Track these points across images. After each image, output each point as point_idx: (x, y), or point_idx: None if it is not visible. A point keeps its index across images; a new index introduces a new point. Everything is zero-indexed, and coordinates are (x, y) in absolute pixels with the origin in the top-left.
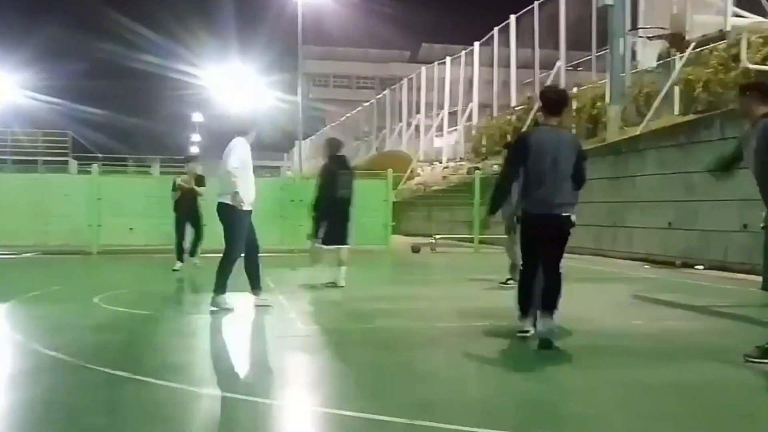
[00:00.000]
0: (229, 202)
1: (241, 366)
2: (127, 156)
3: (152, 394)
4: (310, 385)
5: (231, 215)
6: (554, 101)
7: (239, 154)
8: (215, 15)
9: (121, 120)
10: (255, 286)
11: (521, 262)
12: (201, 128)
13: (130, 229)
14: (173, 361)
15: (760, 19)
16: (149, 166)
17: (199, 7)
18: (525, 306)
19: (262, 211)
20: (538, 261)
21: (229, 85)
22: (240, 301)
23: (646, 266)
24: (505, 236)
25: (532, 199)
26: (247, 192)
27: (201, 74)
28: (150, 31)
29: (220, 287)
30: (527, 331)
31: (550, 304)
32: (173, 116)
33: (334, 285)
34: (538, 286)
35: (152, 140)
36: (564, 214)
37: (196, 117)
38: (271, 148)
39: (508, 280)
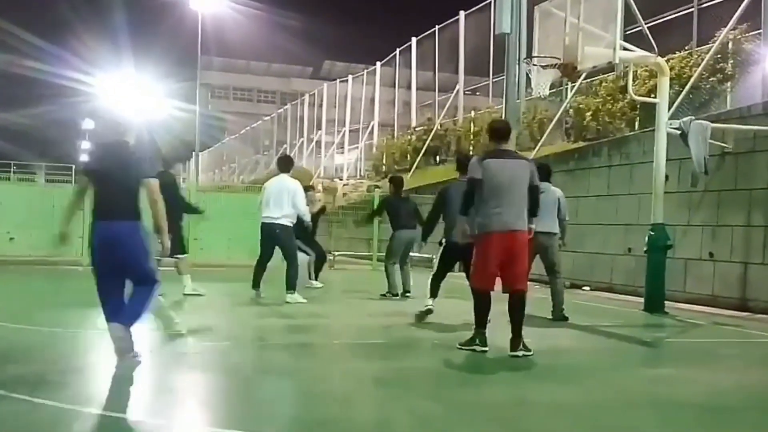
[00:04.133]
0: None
1: (125, 384)
2: (10, 162)
3: (30, 413)
4: (196, 403)
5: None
6: (464, 163)
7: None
8: (111, 22)
9: (4, 122)
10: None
11: (436, 269)
12: (91, 136)
13: (11, 238)
14: (52, 378)
15: (646, 53)
16: (34, 173)
17: (93, 13)
18: (435, 293)
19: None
20: (449, 270)
21: (123, 93)
22: None
23: (536, 286)
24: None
25: (452, 231)
26: None
27: (92, 81)
28: (36, 36)
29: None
30: (430, 308)
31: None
32: (61, 123)
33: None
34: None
35: (38, 147)
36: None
37: (87, 124)
38: (169, 159)
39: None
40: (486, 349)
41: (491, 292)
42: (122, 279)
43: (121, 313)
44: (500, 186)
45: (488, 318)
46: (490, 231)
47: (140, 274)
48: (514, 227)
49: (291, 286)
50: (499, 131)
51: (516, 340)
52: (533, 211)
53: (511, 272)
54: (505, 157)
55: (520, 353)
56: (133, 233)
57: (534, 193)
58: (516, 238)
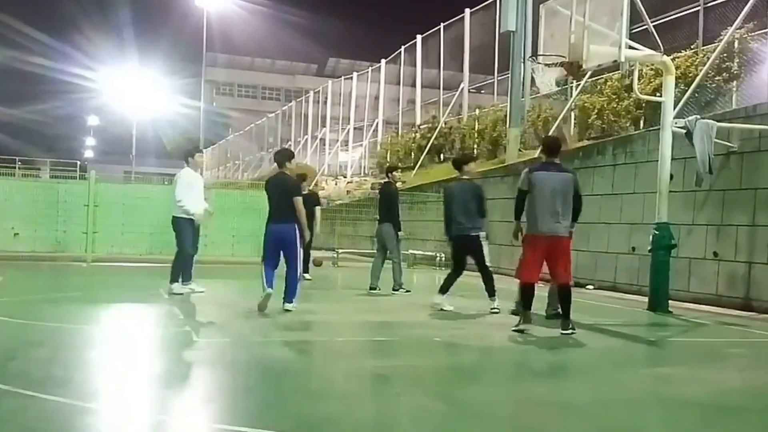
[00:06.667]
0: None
1: (132, 380)
2: (15, 157)
3: (35, 409)
4: (200, 400)
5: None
6: (460, 162)
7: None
8: (117, 18)
9: (9, 118)
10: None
11: (452, 265)
12: (96, 132)
13: (16, 234)
14: (56, 374)
15: (652, 52)
16: (39, 169)
17: (98, 10)
18: (446, 289)
19: (161, 221)
20: (464, 265)
21: (129, 90)
22: (130, 313)
23: (540, 284)
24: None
25: (456, 226)
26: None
27: (98, 77)
28: (42, 33)
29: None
30: (443, 308)
31: (491, 290)
32: (66, 119)
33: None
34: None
35: (43, 143)
36: (473, 234)
37: (92, 120)
38: (174, 155)
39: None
40: (528, 327)
41: (534, 284)
42: (278, 259)
43: (285, 293)
44: (543, 195)
45: (532, 302)
46: (534, 233)
47: (290, 258)
48: (554, 232)
49: (171, 276)
50: (550, 146)
51: (565, 321)
52: (576, 216)
53: (554, 270)
54: (552, 170)
55: (569, 331)
56: (289, 231)
57: (577, 203)
58: (555, 241)
